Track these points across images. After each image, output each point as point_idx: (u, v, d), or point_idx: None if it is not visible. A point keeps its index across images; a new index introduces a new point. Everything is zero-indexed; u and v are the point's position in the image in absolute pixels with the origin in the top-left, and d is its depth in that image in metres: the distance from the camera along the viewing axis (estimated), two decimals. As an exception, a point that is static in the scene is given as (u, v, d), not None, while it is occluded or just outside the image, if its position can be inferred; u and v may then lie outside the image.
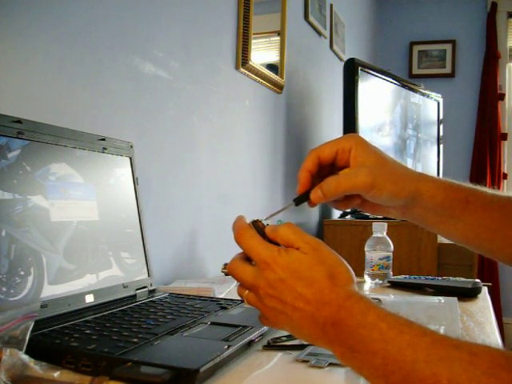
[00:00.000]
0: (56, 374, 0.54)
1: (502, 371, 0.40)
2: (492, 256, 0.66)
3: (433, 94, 2.77)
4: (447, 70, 3.71)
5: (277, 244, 0.52)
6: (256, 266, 0.52)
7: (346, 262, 0.52)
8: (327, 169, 0.61)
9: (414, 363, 0.43)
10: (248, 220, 0.55)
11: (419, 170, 2.31)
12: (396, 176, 0.59)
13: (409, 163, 2.59)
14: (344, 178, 0.59)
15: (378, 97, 2.31)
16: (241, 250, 0.54)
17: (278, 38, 1.92)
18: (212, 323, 0.75)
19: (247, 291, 0.53)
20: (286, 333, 0.75)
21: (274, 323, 0.53)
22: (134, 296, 0.90)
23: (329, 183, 0.58)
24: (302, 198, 0.60)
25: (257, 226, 0.54)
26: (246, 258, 0.53)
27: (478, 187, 0.62)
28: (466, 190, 0.61)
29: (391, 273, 1.31)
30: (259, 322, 0.54)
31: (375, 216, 2.34)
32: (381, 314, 0.46)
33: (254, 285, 0.51)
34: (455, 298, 1.07)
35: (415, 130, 2.61)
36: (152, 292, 0.95)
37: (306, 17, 2.23)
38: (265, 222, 0.55)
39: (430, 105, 2.74)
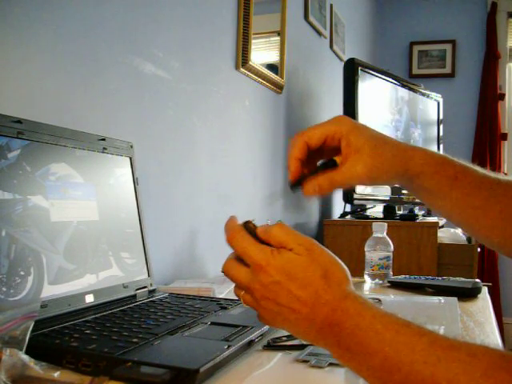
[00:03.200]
0: (56, 374, 0.54)
1: (502, 373, 0.40)
2: (475, 235, 0.66)
3: (433, 94, 2.77)
4: (447, 70, 3.71)
5: (269, 245, 0.52)
6: (250, 268, 0.51)
7: (340, 261, 0.51)
8: (316, 152, 0.61)
9: (412, 364, 0.42)
10: (241, 221, 0.55)
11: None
12: (389, 163, 0.59)
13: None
14: (340, 174, 0.59)
15: (378, 97, 2.31)
16: None
17: (278, 38, 1.92)
18: (212, 323, 0.75)
19: (243, 291, 0.52)
20: (285, 333, 0.75)
21: (272, 324, 0.53)
22: (134, 296, 0.90)
23: (325, 179, 0.59)
24: (297, 184, 0.61)
25: (248, 227, 0.53)
26: (240, 257, 0.53)
27: (471, 165, 0.62)
28: (457, 167, 0.61)
29: (391, 273, 1.31)
30: (258, 321, 0.54)
31: (375, 216, 2.34)
32: (377, 315, 0.46)
33: (249, 287, 0.51)
34: (455, 298, 1.07)
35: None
36: (152, 292, 0.95)
37: (306, 17, 2.23)
38: (268, 222, 0.55)
39: (429, 105, 2.74)
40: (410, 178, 0.61)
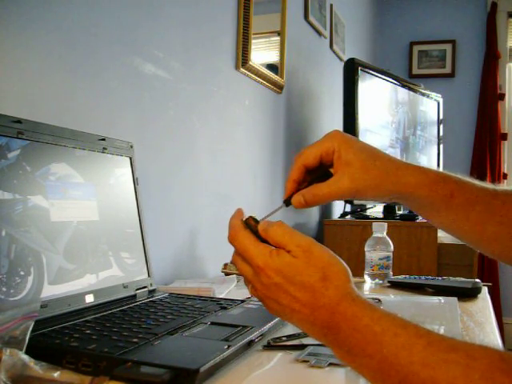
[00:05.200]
0: (56, 374, 0.54)
1: (500, 375, 0.39)
2: (474, 247, 0.66)
3: (433, 94, 2.77)
4: (447, 70, 3.71)
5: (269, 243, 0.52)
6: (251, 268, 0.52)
7: (340, 260, 0.51)
8: (316, 171, 0.61)
9: (410, 366, 0.42)
10: (247, 214, 0.55)
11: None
12: (379, 179, 0.58)
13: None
14: (326, 187, 0.59)
15: (378, 97, 2.31)
16: None
17: (278, 38, 1.92)
18: (212, 323, 0.75)
19: (251, 285, 0.53)
20: (285, 333, 0.75)
21: (280, 317, 0.54)
22: (134, 296, 0.90)
23: (311, 191, 0.59)
24: (289, 199, 0.61)
25: (249, 224, 0.54)
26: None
27: (468, 180, 0.61)
28: (452, 184, 0.60)
29: (391, 273, 1.31)
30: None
31: (375, 216, 2.34)
32: (374, 317, 0.46)
33: (253, 286, 0.53)
34: (455, 298, 1.07)
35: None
36: (152, 292, 0.95)
37: (306, 17, 2.23)
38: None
39: (430, 105, 2.74)
40: (403, 196, 0.60)
